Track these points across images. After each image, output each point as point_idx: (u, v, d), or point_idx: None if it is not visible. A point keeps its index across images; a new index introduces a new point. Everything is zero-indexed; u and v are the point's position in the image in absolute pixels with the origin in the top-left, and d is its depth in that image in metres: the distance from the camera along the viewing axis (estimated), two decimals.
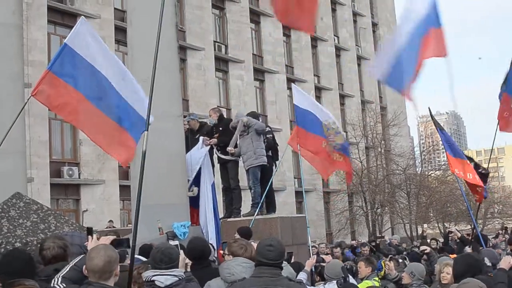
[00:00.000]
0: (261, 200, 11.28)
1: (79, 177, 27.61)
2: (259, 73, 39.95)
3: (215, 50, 35.97)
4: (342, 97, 48.23)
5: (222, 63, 36.94)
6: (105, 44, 8.24)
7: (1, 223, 7.59)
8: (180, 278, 4.98)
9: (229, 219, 11.29)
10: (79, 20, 8.12)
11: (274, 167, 12.26)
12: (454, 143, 11.78)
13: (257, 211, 11.00)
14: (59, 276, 4.60)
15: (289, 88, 40.25)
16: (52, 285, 4.17)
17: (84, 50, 7.83)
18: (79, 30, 7.96)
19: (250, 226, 9.50)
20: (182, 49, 33.20)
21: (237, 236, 7.98)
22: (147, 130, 5.60)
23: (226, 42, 37.36)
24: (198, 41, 34.75)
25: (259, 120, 12.06)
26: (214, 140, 11.39)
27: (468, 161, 11.48)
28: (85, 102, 7.82)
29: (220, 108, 33.97)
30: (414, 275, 7.91)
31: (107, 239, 4.62)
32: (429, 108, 12.62)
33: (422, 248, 11.07)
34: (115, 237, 4.85)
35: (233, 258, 5.40)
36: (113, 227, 21.21)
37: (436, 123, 11.83)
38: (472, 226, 14.12)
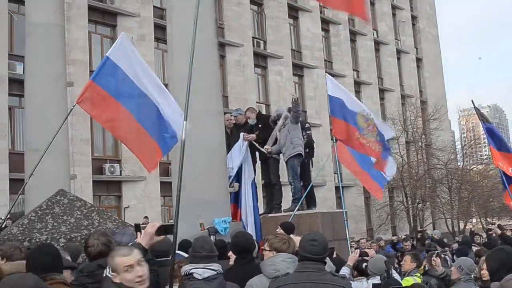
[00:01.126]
0: (302, 196, 11.30)
1: (121, 174, 27.92)
2: (298, 69, 39.86)
3: (253, 46, 35.99)
4: (382, 91, 47.84)
5: (261, 59, 36.94)
6: (143, 60, 8.72)
7: (46, 220, 7.74)
8: (218, 272, 5.01)
9: (269, 215, 11.33)
10: (120, 36, 8.73)
11: (310, 164, 12.26)
12: (501, 135, 11.54)
13: (297, 206, 11.01)
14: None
15: None
16: (104, 274, 4.24)
17: (125, 64, 8.33)
18: (120, 45, 8.50)
19: (292, 219, 9.53)
20: (221, 45, 33.31)
21: (279, 230, 7.99)
22: (186, 120, 5.65)
23: (265, 38, 37.35)
24: (237, 37, 34.81)
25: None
26: (253, 136, 11.42)
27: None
28: (123, 111, 8.24)
29: (259, 104, 34.25)
30: (462, 270, 7.78)
31: (153, 226, 4.67)
32: (472, 100, 12.29)
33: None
34: (161, 223, 4.89)
35: (277, 254, 5.39)
36: (148, 223, 21.35)
37: (480, 115, 11.58)
38: None
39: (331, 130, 12.05)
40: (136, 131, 8.32)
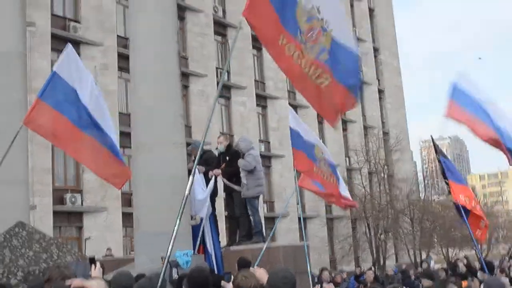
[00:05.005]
0: (261, 228, 11.30)
1: (82, 204, 27.56)
2: (262, 99, 40.04)
3: (217, 76, 36.09)
4: (345, 122, 48.24)
5: (224, 89, 37.04)
6: (87, 71, 8.58)
7: (3, 253, 7.57)
8: None
9: (231, 248, 11.24)
10: (66, 47, 8.34)
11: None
12: (456, 171, 11.70)
13: (259, 239, 10.99)
14: None
15: None
16: None
17: (71, 77, 8.19)
18: (66, 58, 8.31)
19: (260, 255, 9.46)
20: (185, 75, 33.34)
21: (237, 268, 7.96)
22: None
23: (229, 69, 37.52)
24: (200, 68, 34.90)
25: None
26: (218, 171, 11.36)
27: (469, 187, 11.42)
28: (73, 129, 8.10)
29: (223, 134, 34.20)
30: None
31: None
32: (431, 136, 12.61)
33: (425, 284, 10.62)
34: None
35: None
36: (111, 255, 21.04)
37: (437, 151, 11.77)
38: (476, 251, 14.01)
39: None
40: (92, 147, 8.24)
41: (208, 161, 11.36)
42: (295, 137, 11.03)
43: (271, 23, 6.43)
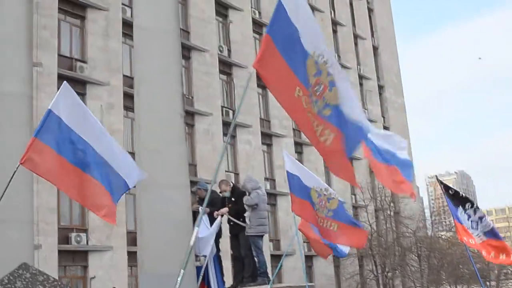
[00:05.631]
0: (266, 269, 11.28)
1: (87, 244, 27.50)
2: (267, 137, 40.14)
3: (222, 115, 36.26)
4: (350, 160, 48.04)
5: (229, 128, 37.18)
6: (86, 107, 8.62)
7: None
8: None
9: None
10: (62, 85, 8.42)
11: None
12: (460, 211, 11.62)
13: (265, 280, 10.96)
14: None
15: (298, 152, 40.45)
16: None
17: (67, 115, 8.20)
18: (62, 96, 8.29)
19: None
20: (190, 114, 33.53)
21: None
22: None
23: (234, 107, 37.70)
24: (205, 107, 35.10)
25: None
26: (224, 210, 11.38)
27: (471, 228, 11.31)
28: (68, 166, 8.12)
29: (228, 173, 34.30)
30: None
31: None
32: (436, 176, 12.58)
33: None
34: None
35: None
36: None
37: (445, 190, 11.71)
38: None
39: None
40: (86, 183, 8.25)
41: (213, 202, 11.40)
42: (293, 181, 10.95)
43: (284, 75, 6.34)
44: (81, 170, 8.21)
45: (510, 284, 58.61)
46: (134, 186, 8.78)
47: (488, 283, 47.53)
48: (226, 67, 38.19)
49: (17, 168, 8.12)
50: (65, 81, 8.85)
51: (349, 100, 6.71)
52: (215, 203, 11.45)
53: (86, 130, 8.28)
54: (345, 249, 12.10)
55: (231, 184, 12.57)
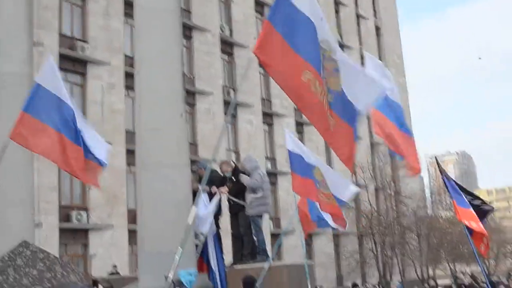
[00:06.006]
0: (265, 247, 11.35)
1: (88, 222, 27.65)
2: (268, 117, 40.16)
3: (224, 94, 36.26)
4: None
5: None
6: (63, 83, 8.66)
7: (7, 272, 7.64)
8: None
9: (236, 267, 11.28)
10: (47, 58, 8.61)
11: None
12: (460, 193, 11.66)
13: (264, 258, 11.04)
14: None
15: (299, 132, 40.49)
16: None
17: (54, 87, 8.32)
18: (48, 68, 8.43)
19: (262, 274, 9.52)
20: (192, 94, 33.54)
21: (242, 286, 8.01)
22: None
23: (235, 87, 37.68)
24: (207, 86, 35.09)
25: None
26: (223, 189, 11.42)
27: (472, 209, 11.37)
28: (58, 136, 8.25)
29: (229, 152, 34.39)
30: None
31: None
32: (435, 157, 12.57)
33: None
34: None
35: None
36: (117, 272, 21.08)
37: (442, 172, 11.77)
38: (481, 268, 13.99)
39: None
40: (73, 150, 8.34)
41: (213, 180, 11.44)
42: (295, 160, 10.99)
43: (288, 59, 6.31)
44: (66, 137, 8.32)
45: (508, 262, 58.96)
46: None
47: (487, 262, 47.82)
48: (227, 46, 38.12)
49: (8, 143, 8.19)
50: (49, 54, 8.95)
51: (353, 83, 6.57)
52: (215, 182, 11.48)
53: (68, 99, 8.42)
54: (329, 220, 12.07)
55: (233, 165, 12.59)
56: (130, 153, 23.04)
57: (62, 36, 28.32)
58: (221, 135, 8.74)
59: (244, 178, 11.57)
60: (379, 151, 47.52)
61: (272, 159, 39.43)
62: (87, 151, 8.51)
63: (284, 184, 38.65)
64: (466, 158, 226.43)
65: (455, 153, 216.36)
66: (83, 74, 28.86)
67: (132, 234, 26.65)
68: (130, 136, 27.39)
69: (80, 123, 8.54)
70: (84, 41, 29.30)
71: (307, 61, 6.38)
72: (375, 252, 41.46)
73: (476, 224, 11.12)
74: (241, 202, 11.62)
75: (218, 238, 10.71)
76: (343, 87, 6.55)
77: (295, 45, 6.36)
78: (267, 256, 11.60)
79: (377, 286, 19.92)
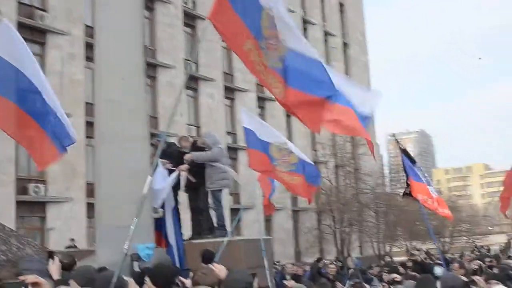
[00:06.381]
0: (224, 222, 11.36)
1: (46, 195, 27.32)
2: (230, 91, 40.03)
3: (186, 68, 35.99)
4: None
5: (192, 81, 36.94)
6: (26, 45, 8.24)
7: None
8: None
9: (194, 241, 11.26)
10: (2, 22, 8.12)
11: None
12: (416, 169, 11.80)
13: (223, 233, 11.05)
14: None
15: (260, 107, 40.47)
16: None
17: (11, 54, 7.87)
18: (3, 34, 7.95)
19: (220, 249, 9.52)
20: (153, 66, 33.23)
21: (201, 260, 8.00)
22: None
23: (197, 60, 37.42)
24: (169, 59, 34.78)
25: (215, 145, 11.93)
26: (183, 167, 11.35)
27: (428, 185, 11.56)
28: (12, 107, 7.91)
29: (190, 127, 34.25)
30: None
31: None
32: (394, 134, 12.68)
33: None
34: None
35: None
36: (75, 246, 20.92)
37: (401, 150, 11.90)
38: (437, 246, 14.29)
39: None
40: (29, 125, 8.07)
41: (171, 155, 11.36)
42: (250, 136, 10.97)
43: (236, 28, 6.36)
44: (23, 111, 8.01)
45: (463, 241, 60.14)
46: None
47: (441, 239, 48.72)
48: (190, 19, 37.75)
49: None
50: (4, 19, 8.53)
51: (291, 34, 6.57)
52: (173, 156, 11.39)
53: (33, 73, 8.03)
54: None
55: (191, 140, 12.52)
56: (90, 125, 22.73)
57: (20, 4, 27.68)
58: (175, 107, 8.59)
59: (199, 156, 11.48)
60: None
61: (233, 134, 39.38)
62: (52, 132, 8.20)
63: (244, 158, 38.57)
64: (425, 136, 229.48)
65: (415, 132, 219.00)
66: (42, 44, 28.31)
67: (91, 207, 26.27)
68: (90, 108, 27.02)
69: (49, 98, 8.19)
70: (44, 10, 28.70)
71: (249, 28, 6.39)
72: (333, 229, 41.87)
73: (431, 202, 11.31)
74: (193, 179, 11.53)
75: (177, 212, 10.65)
76: (289, 46, 6.54)
77: (241, 12, 6.35)
78: (226, 231, 11.61)
79: (334, 262, 20.09)
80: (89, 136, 26.48)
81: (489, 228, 76.75)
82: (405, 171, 11.49)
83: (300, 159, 10.99)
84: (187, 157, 11.37)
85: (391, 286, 11.33)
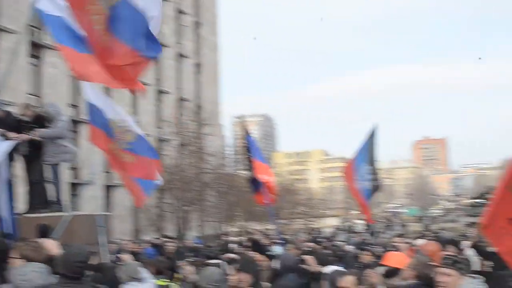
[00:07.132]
0: (61, 196, 11.12)
1: None
2: None
3: (30, 35, 34.45)
4: (159, 93, 48.14)
5: (35, 48, 35.41)
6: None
7: None
8: None
9: (28, 215, 10.89)
10: None
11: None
12: (260, 151, 12.19)
13: (59, 207, 10.81)
14: None
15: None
16: None
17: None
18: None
19: (60, 224, 9.31)
20: None
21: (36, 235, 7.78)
22: None
23: (42, 27, 35.89)
24: (11, 24, 33.10)
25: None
26: (24, 137, 10.91)
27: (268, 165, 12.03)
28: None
29: (30, 96, 32.87)
30: None
31: None
32: (240, 116, 13.01)
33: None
34: None
35: (27, 263, 5.14)
36: None
37: (246, 131, 12.21)
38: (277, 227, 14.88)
39: None
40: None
41: (6, 122, 10.88)
42: (92, 111, 10.69)
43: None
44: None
45: (300, 222, 62.66)
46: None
47: (279, 221, 50.34)
48: None
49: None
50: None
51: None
52: (9, 124, 10.91)
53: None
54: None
55: (32, 110, 12.03)
56: None
57: None
58: (6, 71, 8.21)
59: (45, 132, 11.08)
60: (186, 107, 47.96)
61: (75, 106, 38.25)
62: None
63: (86, 132, 37.74)
64: (269, 120, 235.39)
65: (260, 116, 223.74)
66: None
67: None
68: None
69: None
70: None
71: None
72: (175, 207, 41.97)
73: (268, 177, 11.76)
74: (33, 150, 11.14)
75: (9, 185, 10.22)
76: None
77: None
78: (61, 205, 11.35)
79: (171, 240, 20.22)
80: None
81: (323, 211, 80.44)
82: (250, 152, 11.81)
83: (137, 138, 10.68)
84: (33, 135, 10.92)
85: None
